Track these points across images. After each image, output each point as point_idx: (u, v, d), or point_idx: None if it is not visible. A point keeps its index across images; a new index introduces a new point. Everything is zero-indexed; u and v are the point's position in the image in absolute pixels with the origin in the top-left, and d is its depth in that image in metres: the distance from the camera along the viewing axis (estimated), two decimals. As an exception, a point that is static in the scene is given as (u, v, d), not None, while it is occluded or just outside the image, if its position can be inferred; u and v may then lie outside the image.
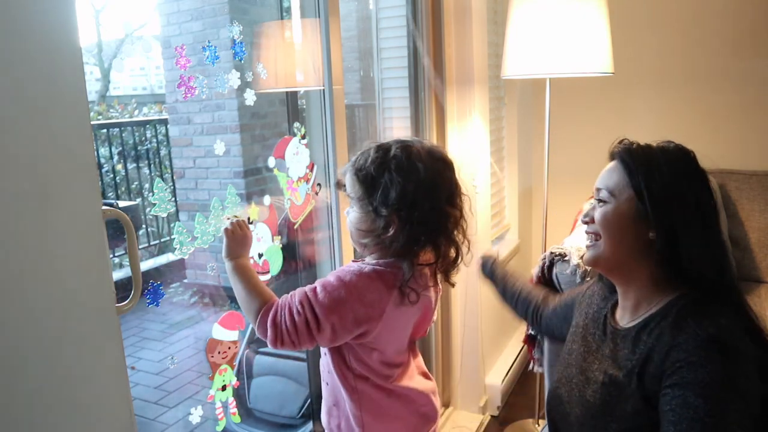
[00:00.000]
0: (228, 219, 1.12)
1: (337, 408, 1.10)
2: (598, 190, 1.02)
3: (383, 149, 1.02)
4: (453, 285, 1.13)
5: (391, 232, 0.99)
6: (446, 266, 1.07)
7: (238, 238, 1.09)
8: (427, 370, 1.20)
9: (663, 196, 0.94)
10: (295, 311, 0.98)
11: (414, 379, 1.14)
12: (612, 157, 1.04)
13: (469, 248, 1.08)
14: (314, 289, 1.00)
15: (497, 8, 2.54)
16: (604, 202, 1.00)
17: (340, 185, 1.09)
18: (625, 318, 1.04)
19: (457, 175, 1.06)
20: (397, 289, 1.00)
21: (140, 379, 2.68)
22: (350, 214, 1.06)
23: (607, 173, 1.02)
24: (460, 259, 1.07)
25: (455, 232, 1.05)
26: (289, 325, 0.98)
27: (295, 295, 1.01)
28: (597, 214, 1.01)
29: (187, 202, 3.01)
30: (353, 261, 1.10)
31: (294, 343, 0.99)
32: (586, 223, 1.05)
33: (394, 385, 1.09)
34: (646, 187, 0.95)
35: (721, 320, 0.88)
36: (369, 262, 1.04)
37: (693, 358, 0.84)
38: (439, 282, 1.12)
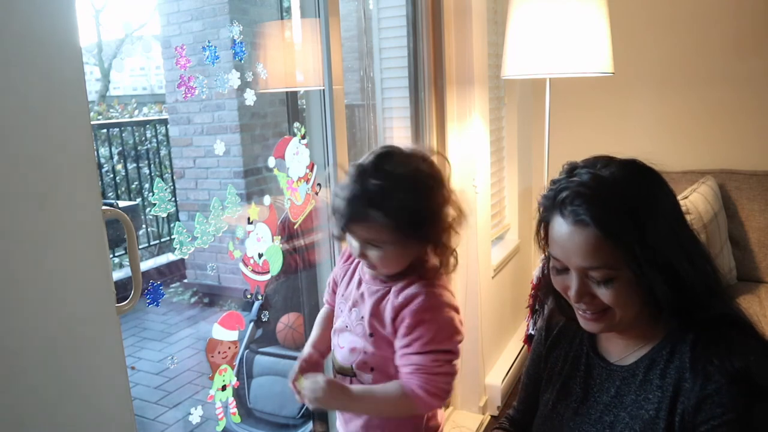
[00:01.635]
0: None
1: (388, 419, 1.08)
2: (587, 270, 0.83)
3: (393, 175, 0.95)
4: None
5: (430, 247, 1.01)
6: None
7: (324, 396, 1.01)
8: None
9: (660, 243, 0.80)
10: (439, 368, 0.98)
11: None
12: (565, 213, 0.83)
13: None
14: (439, 339, 0.99)
15: (497, 8, 2.53)
16: (608, 280, 0.82)
17: (341, 238, 1.02)
18: (615, 353, 0.92)
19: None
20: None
21: (140, 379, 2.68)
22: (380, 252, 0.98)
23: (588, 249, 0.81)
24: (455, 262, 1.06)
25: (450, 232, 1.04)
26: (447, 380, 0.99)
27: (426, 361, 0.98)
28: (606, 295, 0.83)
29: (187, 202, 3.01)
30: (410, 282, 1.03)
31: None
32: (585, 303, 0.86)
33: None
34: (643, 253, 0.79)
35: (749, 357, 0.78)
36: (426, 282, 1.02)
37: (731, 416, 0.76)
38: None
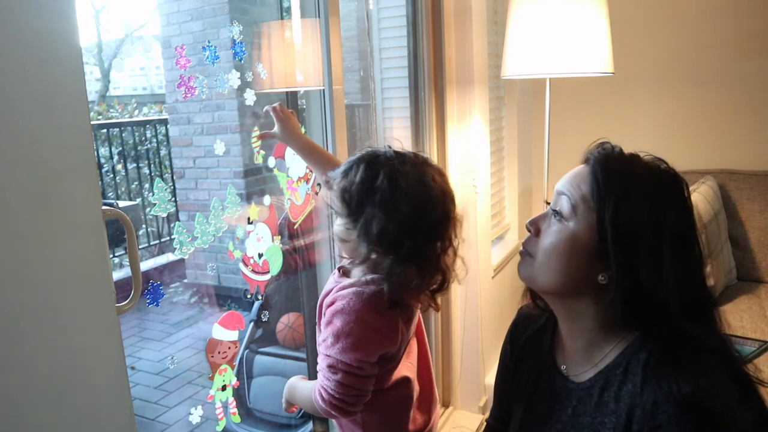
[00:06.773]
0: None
1: None
2: (560, 194, 0.84)
3: (372, 171, 0.94)
4: (437, 309, 1.07)
5: (373, 257, 0.95)
6: (432, 291, 1.02)
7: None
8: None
9: (631, 234, 0.77)
10: (329, 375, 0.95)
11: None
12: (586, 160, 0.86)
13: (463, 263, 1.03)
14: (329, 345, 0.96)
15: (497, 8, 2.54)
16: (561, 217, 0.82)
17: (329, 186, 1.01)
18: (575, 366, 0.89)
19: (450, 201, 0.98)
20: (399, 304, 0.98)
21: (140, 379, 2.68)
22: (336, 222, 1.01)
23: (578, 179, 0.83)
24: (446, 285, 1.01)
25: (442, 259, 0.98)
26: (338, 390, 0.94)
27: (321, 365, 0.97)
28: (546, 231, 0.83)
29: (187, 202, 3.01)
30: (338, 277, 1.04)
31: (359, 395, 0.95)
32: (528, 231, 0.86)
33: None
34: (612, 223, 0.77)
35: (699, 380, 0.73)
36: (364, 280, 0.98)
37: None
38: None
